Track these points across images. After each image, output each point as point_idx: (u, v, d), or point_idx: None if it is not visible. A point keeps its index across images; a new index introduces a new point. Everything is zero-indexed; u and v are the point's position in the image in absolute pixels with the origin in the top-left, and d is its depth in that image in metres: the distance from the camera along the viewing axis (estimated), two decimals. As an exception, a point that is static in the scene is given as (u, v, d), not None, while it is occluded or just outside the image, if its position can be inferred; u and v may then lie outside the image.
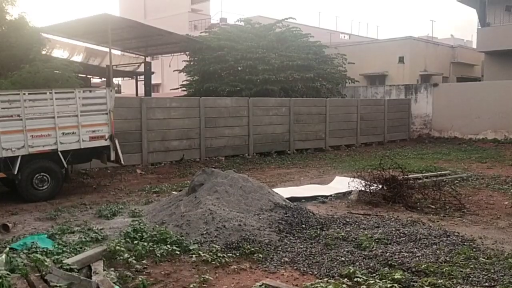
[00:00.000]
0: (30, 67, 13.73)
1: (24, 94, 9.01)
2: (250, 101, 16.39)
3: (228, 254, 5.72)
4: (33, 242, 5.80)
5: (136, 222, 6.75)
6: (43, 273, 4.60)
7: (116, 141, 10.11)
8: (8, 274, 4.49)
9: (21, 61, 15.24)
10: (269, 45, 20.75)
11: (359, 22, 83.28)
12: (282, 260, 5.66)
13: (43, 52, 17.71)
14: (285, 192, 9.02)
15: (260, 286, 4.72)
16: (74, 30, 20.24)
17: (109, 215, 7.69)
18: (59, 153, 9.42)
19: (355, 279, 4.92)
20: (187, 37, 22.39)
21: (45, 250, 5.57)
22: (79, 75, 15.95)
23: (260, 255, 5.73)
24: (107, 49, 23.75)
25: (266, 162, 15.10)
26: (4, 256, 5.02)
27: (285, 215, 7.11)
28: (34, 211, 8.33)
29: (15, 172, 8.91)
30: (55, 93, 9.41)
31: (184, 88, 23.60)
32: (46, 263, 4.85)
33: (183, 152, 14.67)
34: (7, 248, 5.38)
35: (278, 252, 5.94)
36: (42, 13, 46.98)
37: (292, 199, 8.47)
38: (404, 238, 6.33)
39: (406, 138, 22.12)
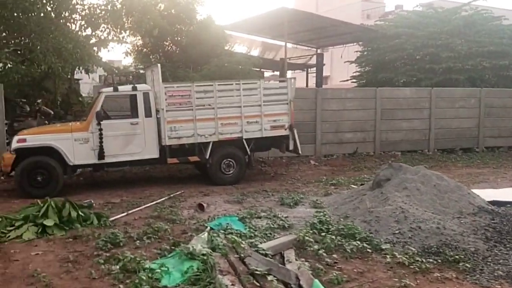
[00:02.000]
0: (218, 61, 14.91)
1: (216, 85, 9.69)
2: (433, 92, 14.93)
3: (428, 259, 5.09)
4: (227, 224, 6.08)
5: (321, 213, 6.57)
6: (242, 255, 4.71)
7: (295, 131, 10.19)
8: (210, 253, 4.72)
9: (208, 57, 16.66)
10: (454, 30, 18.65)
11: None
12: (496, 274, 4.80)
13: (226, 48, 19.14)
14: (482, 194, 7.81)
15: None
16: (252, 26, 21.44)
17: (291, 204, 7.72)
18: (244, 140, 9.91)
19: None
20: (362, 27, 21.68)
21: (239, 232, 5.78)
22: (254, 68, 16.72)
23: (467, 265, 4.95)
24: (281, 43, 24.57)
25: (450, 160, 13.59)
26: (206, 234, 5.34)
27: (492, 221, 6.09)
28: (223, 193, 8.89)
29: (207, 157, 9.67)
30: (242, 83, 9.90)
31: (355, 80, 22.97)
32: (242, 246, 4.98)
33: (356, 145, 14.17)
34: (208, 227, 5.73)
35: (488, 263, 5.07)
36: (223, 12, 51.14)
37: (493, 203, 7.28)
38: None
39: None
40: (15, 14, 13.34)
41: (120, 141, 9.12)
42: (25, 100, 18.11)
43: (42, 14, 14.07)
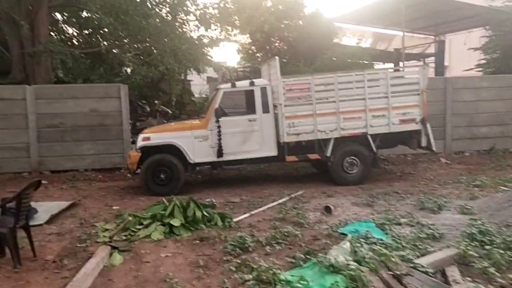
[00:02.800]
0: (331, 53, 14.14)
1: (337, 77, 8.94)
2: None
3: None
4: (367, 231, 5.32)
5: (478, 221, 5.49)
6: (396, 272, 3.94)
7: (428, 125, 9.03)
8: (359, 268, 4.02)
9: (317, 51, 15.98)
10: None
11: None
12: None
13: (335, 41, 18.25)
14: None
15: None
16: (363, 16, 20.12)
17: (434, 209, 6.68)
18: (368, 136, 9.03)
19: None
20: (490, 8, 19.18)
21: (383, 242, 4.99)
22: (362, 61, 15.60)
23: None
24: (394, 32, 22.89)
25: None
26: (348, 244, 4.65)
27: None
28: (348, 194, 8.13)
29: (328, 155, 8.97)
30: (367, 74, 9.02)
31: (480, 69, 20.43)
32: (393, 260, 4.21)
33: (494, 141, 12.37)
34: (349, 236, 5.04)
35: None
36: (331, 4, 50.14)
37: None
38: None
39: None
40: (136, 19, 13.99)
41: (238, 138, 8.84)
42: (145, 102, 19.16)
43: (158, 19, 14.66)
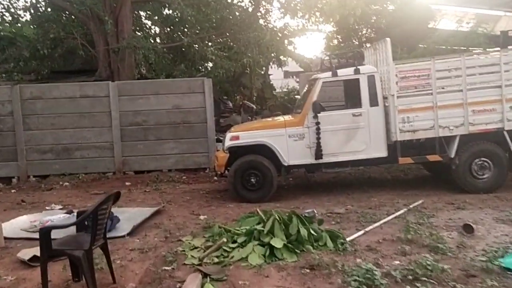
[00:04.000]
0: (437, 38, 12.33)
1: (465, 59, 7.27)
2: None
3: None
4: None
5: None
6: None
7: None
8: None
9: (412, 36, 14.23)
10: None
11: None
12: None
13: (430, 26, 16.30)
14: None
15: None
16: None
17: None
18: (505, 133, 7.26)
19: None
20: None
21: None
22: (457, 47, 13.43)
23: None
24: (500, 13, 20.06)
25: None
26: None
27: None
28: (484, 206, 6.48)
29: (452, 156, 7.35)
30: (503, 55, 7.24)
31: None
32: None
33: None
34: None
35: None
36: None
37: None
38: None
39: None
40: (217, 10, 13.21)
41: (340, 137, 7.52)
42: (226, 97, 18.46)
43: (239, 10, 13.80)
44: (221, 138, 10.11)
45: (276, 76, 24.28)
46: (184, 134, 10.38)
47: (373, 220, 6.08)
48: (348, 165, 7.72)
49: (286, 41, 18.73)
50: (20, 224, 6.62)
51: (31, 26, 13.76)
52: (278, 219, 5.27)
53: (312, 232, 5.15)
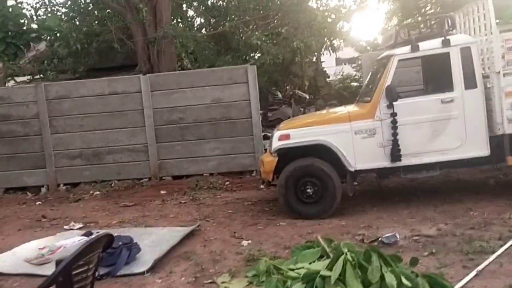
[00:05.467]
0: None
1: None
2: None
3: None
4: None
5: None
6: None
7: None
8: None
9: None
10: None
11: None
12: None
13: None
14: None
15: None
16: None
17: None
18: None
19: None
20: None
21: None
22: None
23: None
24: None
25: None
26: None
27: None
28: None
29: None
30: None
31: None
32: None
33: None
34: None
35: None
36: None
37: None
38: None
39: None
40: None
41: (425, 132, 5.70)
42: (275, 88, 16.85)
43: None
44: (269, 134, 8.56)
45: (327, 64, 22.44)
46: (226, 132, 8.91)
47: (483, 249, 4.28)
48: (435, 168, 5.86)
49: (339, 23, 16.87)
50: (26, 252, 5.42)
51: (62, 17, 12.82)
52: (351, 259, 3.62)
53: (404, 280, 3.45)
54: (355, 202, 6.36)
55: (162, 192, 8.18)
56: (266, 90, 13.63)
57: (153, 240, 5.38)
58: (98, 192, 8.66)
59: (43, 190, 9.23)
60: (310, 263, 4.08)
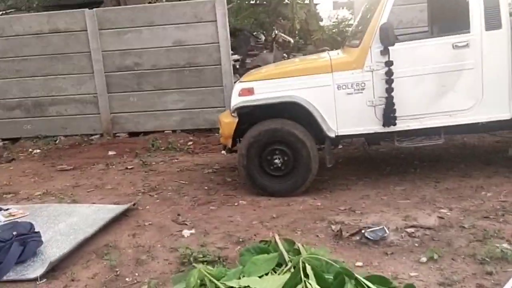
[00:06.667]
0: None
1: None
2: None
3: None
4: None
5: None
6: None
7: None
8: None
9: None
10: None
11: None
12: None
13: None
14: None
15: None
16: None
17: None
18: None
19: None
20: None
21: None
22: None
23: None
24: None
25: None
26: None
27: None
28: None
29: None
30: None
31: None
32: None
33: None
34: None
35: None
36: None
37: None
38: None
39: None
40: None
41: (428, 87, 4.34)
42: (260, 31, 15.13)
43: None
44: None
45: (324, 7, 20.51)
46: (191, 82, 7.48)
47: (505, 256, 3.07)
48: (439, 134, 4.55)
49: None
50: None
51: None
52: (310, 272, 2.39)
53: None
54: (335, 174, 5.09)
55: (110, 153, 6.87)
56: (248, 33, 11.98)
57: (70, 224, 4.14)
58: (38, 150, 7.35)
59: (-22, 146, 7.90)
60: (261, 276, 2.87)
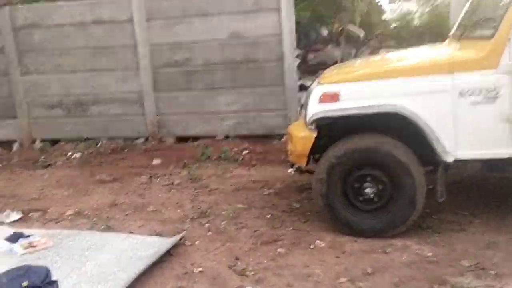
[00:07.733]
0: None
1: None
2: None
3: None
4: None
5: None
6: None
7: None
8: None
9: None
10: None
11: None
12: None
13: None
14: None
15: None
16: None
17: None
18: None
19: None
20: None
21: None
22: None
23: None
24: None
25: None
26: None
27: None
28: None
29: None
30: None
31: None
32: None
33: None
34: None
35: None
36: None
37: None
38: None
39: None
40: None
41: None
42: (319, 25, 13.90)
43: None
44: (307, 85, 6.02)
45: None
46: (248, 80, 6.43)
47: None
48: None
49: None
50: None
51: None
52: None
53: None
54: (439, 206, 3.86)
55: (154, 161, 5.96)
56: (309, 27, 10.81)
57: (100, 265, 3.22)
58: (78, 154, 6.57)
59: (15, 146, 7.26)
60: None
